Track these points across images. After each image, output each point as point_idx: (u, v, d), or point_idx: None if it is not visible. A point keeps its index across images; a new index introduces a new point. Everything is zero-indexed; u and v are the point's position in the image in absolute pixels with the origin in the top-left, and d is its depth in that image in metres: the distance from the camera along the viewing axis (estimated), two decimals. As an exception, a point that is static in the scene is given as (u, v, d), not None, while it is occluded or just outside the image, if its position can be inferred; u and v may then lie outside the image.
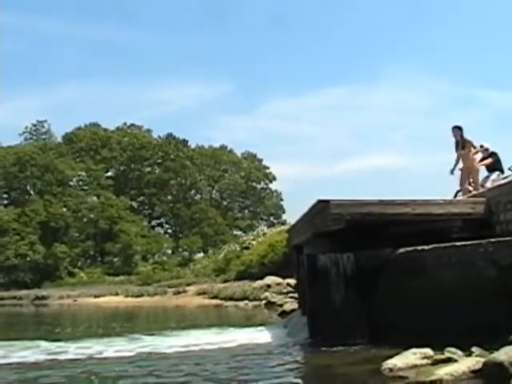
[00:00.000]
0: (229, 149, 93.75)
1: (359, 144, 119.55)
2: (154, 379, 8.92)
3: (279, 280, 34.49)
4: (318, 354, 10.64)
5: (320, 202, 10.99)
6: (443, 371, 7.57)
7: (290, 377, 9.16)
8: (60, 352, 12.33)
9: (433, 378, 7.47)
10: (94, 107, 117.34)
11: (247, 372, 9.21)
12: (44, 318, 33.85)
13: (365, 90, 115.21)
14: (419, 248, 10.67)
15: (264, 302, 31.20)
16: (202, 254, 78.47)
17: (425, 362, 8.34)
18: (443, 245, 10.41)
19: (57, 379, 9.39)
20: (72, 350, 12.60)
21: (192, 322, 20.87)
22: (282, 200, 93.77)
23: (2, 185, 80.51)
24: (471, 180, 16.80)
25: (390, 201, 11.02)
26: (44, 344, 13.57)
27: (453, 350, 8.42)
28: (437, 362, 8.21)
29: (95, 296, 54.17)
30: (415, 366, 8.27)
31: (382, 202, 10.90)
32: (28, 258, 72.52)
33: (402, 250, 11.06)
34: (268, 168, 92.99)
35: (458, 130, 16.65)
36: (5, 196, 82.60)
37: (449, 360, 8.17)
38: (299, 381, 9.11)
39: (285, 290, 32.40)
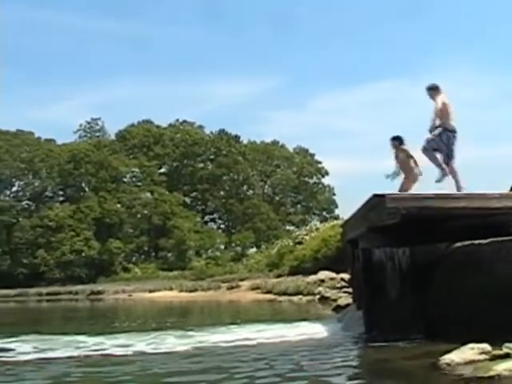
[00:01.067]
0: (280, 144, 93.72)
1: (409, 139, 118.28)
2: (214, 375, 8.98)
3: (333, 275, 34.37)
4: (373, 349, 10.61)
5: (375, 196, 10.95)
6: (501, 367, 7.48)
7: (347, 371, 9.15)
8: (116, 346, 12.47)
9: (491, 373, 7.39)
10: (147, 104, 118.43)
11: (304, 366, 9.22)
12: (99, 312, 34.29)
13: (413, 83, 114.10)
14: (476, 242, 10.57)
15: (318, 296, 31.15)
16: (254, 249, 78.68)
17: (482, 357, 8.25)
18: (500, 239, 10.29)
19: (117, 374, 9.50)
20: (127, 344, 12.74)
21: (246, 316, 20.92)
22: (334, 195, 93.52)
23: (57, 182, 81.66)
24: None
25: (447, 195, 10.93)
26: (100, 339, 13.74)
27: (511, 345, 8.33)
28: (495, 358, 8.11)
29: (150, 291, 54.65)
30: (473, 362, 8.19)
31: (438, 196, 10.81)
32: (83, 254, 73.50)
33: (458, 245, 10.97)
34: (320, 163, 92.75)
35: (395, 141, 15.44)
36: (60, 193, 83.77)
37: (507, 356, 8.07)
38: (356, 375, 9.09)
39: (338, 285, 32.27)
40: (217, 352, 11.32)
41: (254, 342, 12.47)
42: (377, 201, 10.85)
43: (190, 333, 14.40)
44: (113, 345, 12.54)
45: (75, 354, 11.49)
